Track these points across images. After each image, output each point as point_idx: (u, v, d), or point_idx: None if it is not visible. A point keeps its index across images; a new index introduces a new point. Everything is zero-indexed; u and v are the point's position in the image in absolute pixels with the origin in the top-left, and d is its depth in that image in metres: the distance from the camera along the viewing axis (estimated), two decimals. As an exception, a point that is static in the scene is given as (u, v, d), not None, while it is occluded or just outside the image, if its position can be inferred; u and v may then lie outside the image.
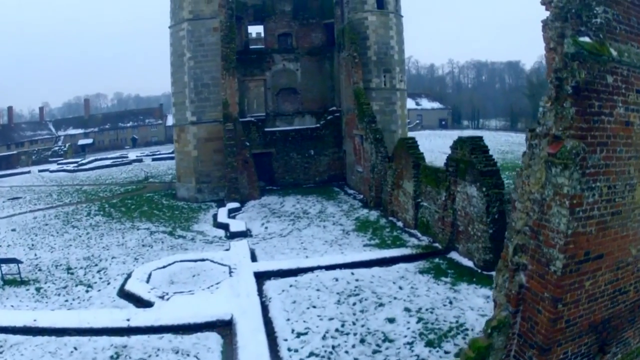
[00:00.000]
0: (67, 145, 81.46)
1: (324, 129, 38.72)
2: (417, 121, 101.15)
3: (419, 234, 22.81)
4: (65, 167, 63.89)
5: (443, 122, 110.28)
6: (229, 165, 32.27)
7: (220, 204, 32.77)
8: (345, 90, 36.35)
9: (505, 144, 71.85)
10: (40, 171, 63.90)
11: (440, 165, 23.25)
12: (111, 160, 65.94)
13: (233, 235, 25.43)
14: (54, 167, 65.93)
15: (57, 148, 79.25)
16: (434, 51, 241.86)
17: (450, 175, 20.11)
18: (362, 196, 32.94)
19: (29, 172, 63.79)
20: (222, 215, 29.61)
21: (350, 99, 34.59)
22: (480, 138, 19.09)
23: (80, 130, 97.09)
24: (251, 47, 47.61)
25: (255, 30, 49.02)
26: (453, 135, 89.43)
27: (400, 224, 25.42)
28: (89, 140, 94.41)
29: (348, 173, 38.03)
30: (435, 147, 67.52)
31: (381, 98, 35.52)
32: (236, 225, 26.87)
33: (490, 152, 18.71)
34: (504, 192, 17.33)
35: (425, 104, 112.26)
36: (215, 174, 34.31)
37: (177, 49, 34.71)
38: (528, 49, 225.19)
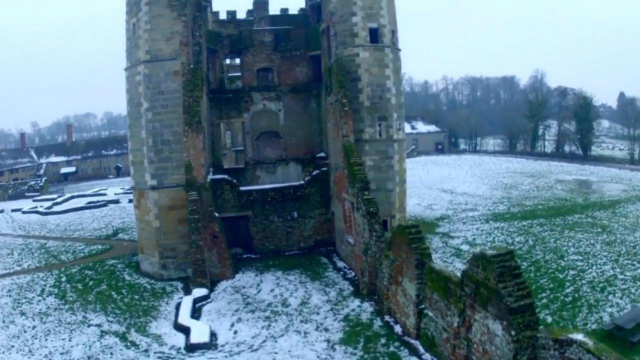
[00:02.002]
0: (43, 180, 74.55)
1: (309, 187, 31.94)
2: (413, 146, 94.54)
3: (421, 348, 18.05)
4: (38, 206, 58.46)
5: (439, 146, 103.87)
6: (194, 244, 25.70)
7: (188, 284, 26.52)
8: (333, 143, 29.76)
9: (506, 173, 65.24)
10: (13, 210, 59.60)
11: (452, 271, 18.15)
12: (87, 200, 59.00)
13: (193, 348, 19.74)
14: (28, 205, 61.17)
15: (33, 182, 72.37)
16: (428, 67, 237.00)
17: (467, 297, 14.83)
18: (353, 274, 26.50)
19: (1, 211, 59.74)
20: (185, 309, 23.17)
21: (339, 154, 28.04)
22: (511, 255, 13.87)
23: (62, 158, 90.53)
24: (230, 76, 41.39)
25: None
26: (450, 161, 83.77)
27: (398, 329, 19.97)
28: (72, 169, 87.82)
29: (337, 240, 31.53)
30: (434, 180, 61.78)
31: (376, 151, 28.91)
32: (198, 332, 20.71)
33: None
34: (538, 336, 12.72)
35: (421, 127, 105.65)
36: (182, 248, 27.71)
37: (133, 97, 28.31)
38: (522, 63, 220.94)
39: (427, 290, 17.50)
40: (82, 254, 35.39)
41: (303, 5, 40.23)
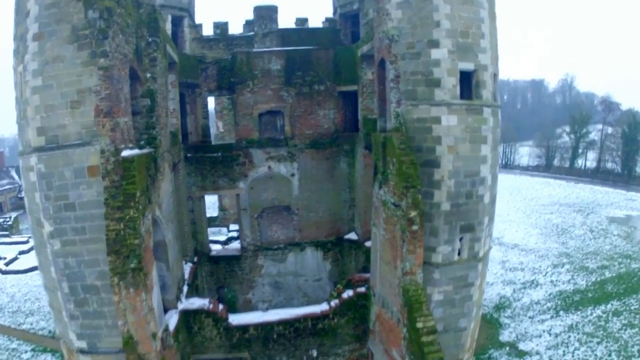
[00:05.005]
0: (12, 217, 56.63)
1: (337, 316, 18.15)
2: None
3: None
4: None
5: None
6: None
7: None
8: (384, 268, 16.14)
9: (550, 204, 51.65)
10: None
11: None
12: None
13: None
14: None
15: (1, 220, 57.56)
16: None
17: None
18: None
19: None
20: None
21: (392, 293, 14.83)
22: None
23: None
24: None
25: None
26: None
27: None
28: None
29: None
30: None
31: (449, 280, 15.47)
32: None
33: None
34: None
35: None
36: None
37: (31, 209, 13.91)
38: (550, 66, 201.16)
39: None
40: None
41: (330, 14, 26.55)
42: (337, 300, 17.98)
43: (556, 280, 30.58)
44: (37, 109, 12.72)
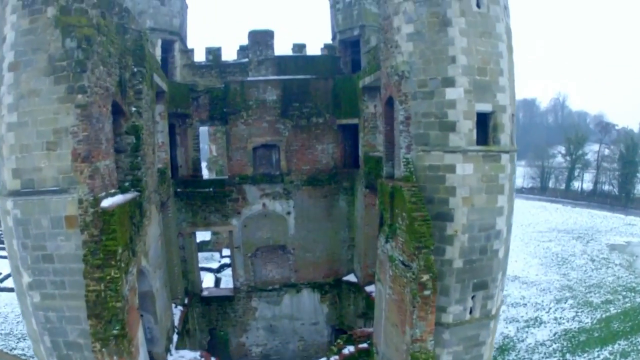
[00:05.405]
0: None
1: None
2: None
3: None
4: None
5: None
6: None
7: None
8: (390, 330, 14.64)
9: (548, 230, 50.70)
10: None
11: None
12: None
13: None
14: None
15: None
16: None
17: None
18: None
19: None
20: None
21: (399, 356, 13.31)
22: None
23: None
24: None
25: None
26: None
27: None
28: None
29: None
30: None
31: (459, 340, 14.04)
32: None
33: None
34: None
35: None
36: None
37: (11, 255, 12.12)
38: (541, 85, 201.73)
39: None
40: None
41: (328, 40, 25.38)
42: (337, 357, 16.46)
43: (560, 318, 29.31)
44: (12, 149, 11.24)
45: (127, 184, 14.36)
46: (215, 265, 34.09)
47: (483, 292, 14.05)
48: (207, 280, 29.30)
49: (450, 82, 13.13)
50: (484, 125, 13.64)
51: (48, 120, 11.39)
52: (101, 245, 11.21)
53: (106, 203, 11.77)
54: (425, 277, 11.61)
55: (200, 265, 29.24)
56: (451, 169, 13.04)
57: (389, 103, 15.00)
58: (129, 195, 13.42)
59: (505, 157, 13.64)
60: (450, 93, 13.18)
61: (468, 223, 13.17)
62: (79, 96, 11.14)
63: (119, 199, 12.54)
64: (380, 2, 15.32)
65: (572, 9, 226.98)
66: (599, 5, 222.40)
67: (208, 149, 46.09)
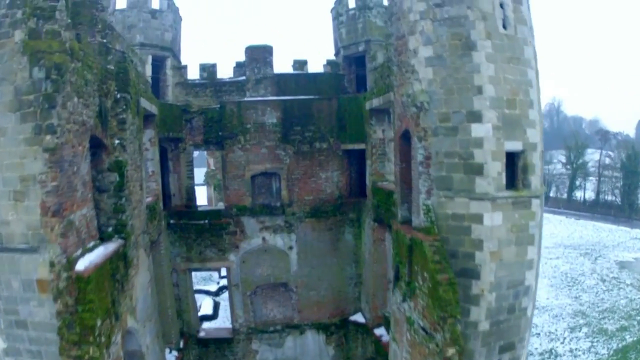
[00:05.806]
0: None
1: None
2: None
3: None
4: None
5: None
6: None
7: None
8: None
9: (554, 246, 48.99)
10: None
11: None
12: None
13: None
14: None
15: None
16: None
17: None
18: None
19: None
20: None
21: None
22: None
23: None
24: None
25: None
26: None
27: None
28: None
29: None
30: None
31: None
32: None
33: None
34: None
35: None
36: None
37: None
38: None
39: None
40: None
41: (331, 55, 23.70)
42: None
43: (575, 349, 27.68)
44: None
45: (110, 229, 12.68)
46: (214, 287, 32.26)
47: (509, 354, 12.42)
48: (205, 306, 27.56)
49: (476, 117, 11.48)
50: (512, 165, 12.02)
51: (14, 165, 9.76)
52: (77, 317, 9.57)
53: (82, 264, 10.11)
54: (451, 352, 9.99)
55: (197, 287, 27.66)
56: (478, 218, 11.40)
57: (404, 137, 13.34)
58: (111, 247, 11.75)
59: (535, 203, 12.03)
60: (477, 129, 11.52)
61: (496, 280, 11.56)
62: (47, 137, 9.46)
63: (98, 254, 10.87)
64: (393, 19, 13.63)
65: (562, 16, 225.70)
66: (587, 12, 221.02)
67: (206, 162, 44.55)
